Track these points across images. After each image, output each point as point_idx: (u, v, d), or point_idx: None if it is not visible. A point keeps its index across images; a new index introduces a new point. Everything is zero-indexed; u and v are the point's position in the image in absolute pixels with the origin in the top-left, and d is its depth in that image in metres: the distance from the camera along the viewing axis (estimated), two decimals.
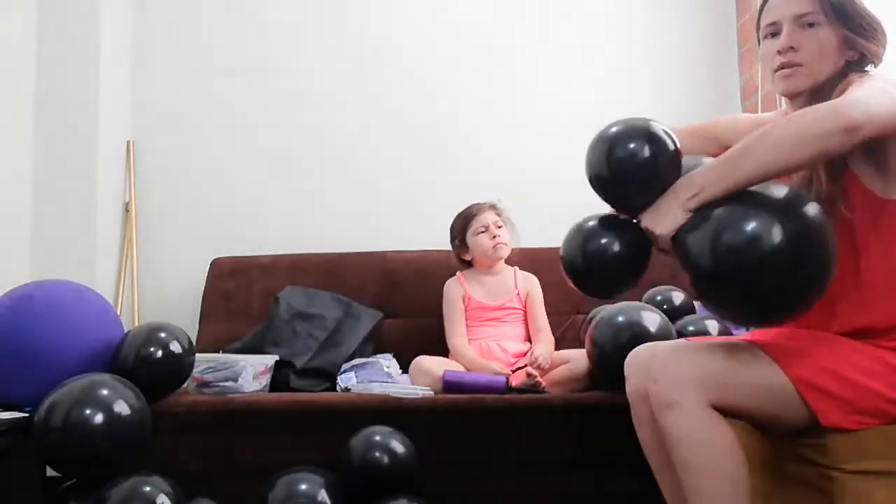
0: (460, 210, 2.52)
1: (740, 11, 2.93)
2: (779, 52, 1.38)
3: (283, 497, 1.71)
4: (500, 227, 2.44)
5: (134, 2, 3.02)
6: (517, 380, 2.09)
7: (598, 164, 1.34)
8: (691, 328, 2.06)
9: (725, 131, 1.57)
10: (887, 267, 1.32)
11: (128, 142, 2.97)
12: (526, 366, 2.14)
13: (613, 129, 1.34)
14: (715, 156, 1.33)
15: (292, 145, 2.99)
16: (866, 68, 1.38)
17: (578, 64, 3.01)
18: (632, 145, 1.30)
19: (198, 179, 2.98)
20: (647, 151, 1.29)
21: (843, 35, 1.35)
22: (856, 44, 1.35)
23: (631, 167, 1.30)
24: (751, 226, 1.15)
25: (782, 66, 1.39)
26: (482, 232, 2.44)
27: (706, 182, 1.22)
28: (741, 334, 1.58)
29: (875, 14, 1.37)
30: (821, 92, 1.37)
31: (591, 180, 1.37)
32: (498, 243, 2.42)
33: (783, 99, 1.49)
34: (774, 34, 1.41)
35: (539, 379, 2.06)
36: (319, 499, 1.72)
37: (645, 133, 1.31)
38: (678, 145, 1.32)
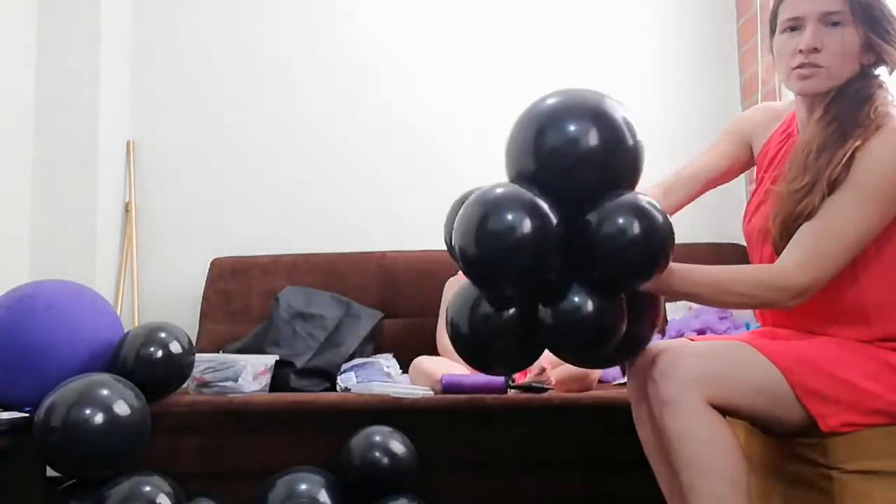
0: None
1: (740, 11, 2.93)
2: (800, 51, 1.31)
3: (283, 497, 1.71)
4: None
5: (134, 2, 3.02)
6: (526, 376, 2.08)
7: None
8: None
9: (748, 129, 1.56)
10: (889, 275, 1.31)
11: (128, 142, 2.96)
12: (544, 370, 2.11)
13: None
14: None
15: (293, 145, 2.99)
16: (877, 72, 1.34)
17: (577, 63, 3.01)
18: None
19: (198, 179, 2.98)
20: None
21: (867, 37, 1.30)
22: (876, 47, 1.30)
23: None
24: None
25: (801, 66, 1.32)
26: None
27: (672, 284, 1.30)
28: (740, 335, 1.58)
29: None
30: (838, 97, 1.32)
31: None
32: None
33: (782, 91, 1.47)
34: (794, 28, 1.34)
35: (549, 375, 2.05)
36: (319, 499, 1.72)
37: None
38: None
